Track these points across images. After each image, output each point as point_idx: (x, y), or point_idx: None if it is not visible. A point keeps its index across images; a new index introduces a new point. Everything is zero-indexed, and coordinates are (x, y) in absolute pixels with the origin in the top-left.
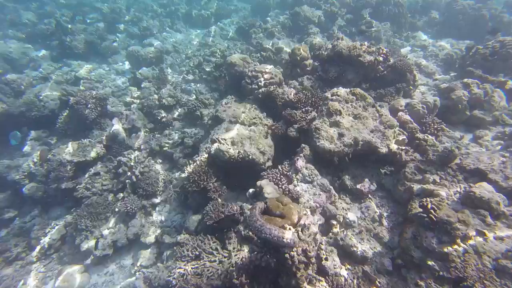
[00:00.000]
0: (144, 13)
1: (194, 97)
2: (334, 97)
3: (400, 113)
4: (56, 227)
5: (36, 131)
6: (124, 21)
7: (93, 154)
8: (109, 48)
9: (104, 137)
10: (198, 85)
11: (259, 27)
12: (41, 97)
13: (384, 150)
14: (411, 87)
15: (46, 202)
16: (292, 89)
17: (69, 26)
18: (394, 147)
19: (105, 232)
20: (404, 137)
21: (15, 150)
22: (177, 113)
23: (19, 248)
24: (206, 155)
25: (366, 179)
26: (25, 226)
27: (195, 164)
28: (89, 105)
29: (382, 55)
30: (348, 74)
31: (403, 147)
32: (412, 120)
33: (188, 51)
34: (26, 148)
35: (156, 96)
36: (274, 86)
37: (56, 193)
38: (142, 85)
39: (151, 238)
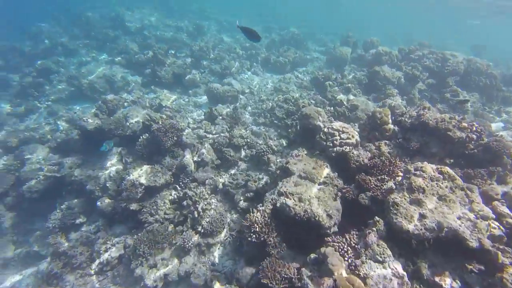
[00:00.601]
0: (227, 53)
1: (263, 141)
2: (418, 172)
3: (495, 203)
4: (116, 246)
5: (116, 148)
6: (208, 58)
7: (162, 180)
8: (192, 82)
9: (174, 166)
10: (268, 129)
11: (334, 80)
12: (128, 118)
13: (474, 244)
14: (507, 173)
15: (112, 217)
16: (367, 152)
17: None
18: (487, 243)
19: (159, 262)
20: (501, 233)
21: (98, 162)
22: (244, 154)
23: (83, 257)
24: (271, 207)
25: (447, 272)
26: (91, 237)
27: (258, 213)
28: (167, 133)
29: (475, 133)
30: (432, 147)
31: (501, 246)
32: (511, 214)
33: (262, 95)
34: (106, 162)
35: (227, 134)
36: (350, 147)
37: (124, 211)
38: (216, 121)
39: (200, 280)
